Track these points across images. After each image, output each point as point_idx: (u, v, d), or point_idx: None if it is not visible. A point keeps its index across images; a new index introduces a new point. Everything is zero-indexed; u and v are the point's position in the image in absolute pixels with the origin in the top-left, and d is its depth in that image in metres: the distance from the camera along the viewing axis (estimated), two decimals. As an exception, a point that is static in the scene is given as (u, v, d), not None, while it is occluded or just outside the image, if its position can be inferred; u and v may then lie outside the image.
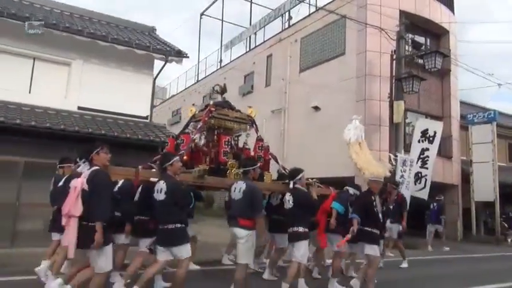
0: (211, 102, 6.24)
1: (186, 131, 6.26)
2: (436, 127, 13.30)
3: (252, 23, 24.75)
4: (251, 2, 26.13)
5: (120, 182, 5.31)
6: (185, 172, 5.25)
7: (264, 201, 5.87)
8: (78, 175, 4.14)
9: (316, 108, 16.30)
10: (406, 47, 13.61)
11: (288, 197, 5.53)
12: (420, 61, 13.43)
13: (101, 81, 10.21)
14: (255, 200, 4.94)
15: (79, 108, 10.02)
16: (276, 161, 6.77)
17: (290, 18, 20.47)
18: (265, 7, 25.40)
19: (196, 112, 6.44)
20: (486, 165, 15.61)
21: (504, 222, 16.46)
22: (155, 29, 12.94)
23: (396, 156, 11.92)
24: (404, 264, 8.53)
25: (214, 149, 6.17)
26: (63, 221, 3.92)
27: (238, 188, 5.06)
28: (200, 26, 29.49)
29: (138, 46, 10.39)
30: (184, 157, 5.47)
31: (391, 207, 7.92)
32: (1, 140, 7.99)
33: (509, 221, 16.50)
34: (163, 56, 10.76)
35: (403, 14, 14.06)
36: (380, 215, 5.66)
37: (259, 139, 6.59)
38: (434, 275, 7.97)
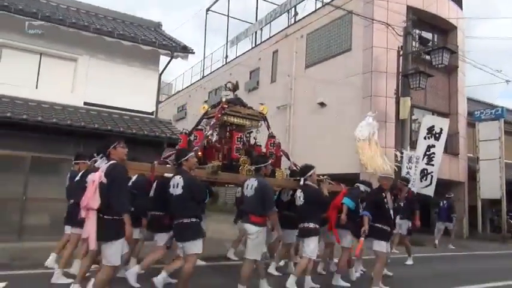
0: (224, 99, 6.29)
1: (199, 127, 6.32)
2: (442, 124, 13.21)
3: (257, 19, 24.67)
4: (257, -2, 26.04)
5: (134, 177, 5.39)
6: (199, 168, 5.31)
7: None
8: (96, 170, 4.23)
9: (322, 104, 16.25)
10: (413, 43, 13.51)
11: (299, 193, 5.61)
12: (427, 57, 13.33)
13: (107, 76, 10.25)
14: (266, 197, 4.98)
15: (85, 103, 10.07)
16: (288, 157, 6.82)
17: (296, 14, 20.38)
18: (271, 3, 25.33)
19: (209, 109, 6.52)
20: (493, 163, 15.49)
21: (511, 220, 16.36)
22: (161, 25, 12.95)
23: (402, 152, 11.87)
24: (410, 262, 8.52)
25: (226, 145, 6.25)
26: (82, 214, 4.01)
27: (251, 185, 5.10)
28: (206, 22, 29.60)
29: (144, 42, 10.41)
30: (199, 153, 5.52)
31: (402, 204, 7.89)
32: (8, 135, 8.07)
33: (516, 219, 16.40)
34: (169, 52, 10.78)
35: (410, 9, 13.96)
36: (391, 212, 5.70)
37: (271, 136, 6.64)
38: (438, 272, 7.95)
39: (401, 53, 12.75)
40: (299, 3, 20.33)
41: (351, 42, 15.70)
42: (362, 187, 6.51)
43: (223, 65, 25.67)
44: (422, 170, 12.55)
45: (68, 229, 5.76)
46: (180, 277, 4.60)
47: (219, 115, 6.05)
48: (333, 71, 16.01)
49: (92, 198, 3.90)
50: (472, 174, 16.08)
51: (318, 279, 5.97)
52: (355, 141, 9.23)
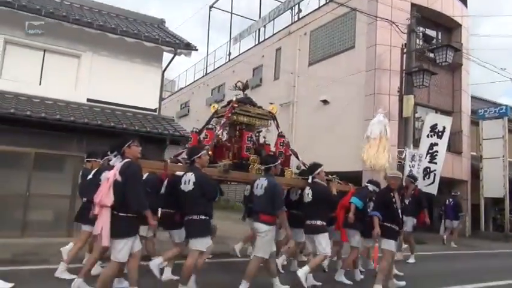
0: (234, 99, 6.35)
1: (209, 126, 6.38)
2: (445, 122, 13.17)
3: (261, 16, 24.64)
4: (260, -5, 25.98)
5: (145, 175, 5.41)
6: (210, 166, 5.37)
7: None
8: (110, 168, 4.30)
9: (325, 102, 16.21)
10: (417, 41, 13.44)
11: (308, 190, 5.69)
12: (431, 55, 13.26)
13: (110, 73, 10.27)
14: (276, 196, 5.03)
15: (88, 100, 10.09)
16: (297, 157, 6.85)
17: (300, 11, 20.33)
18: (274, 0, 25.27)
19: (219, 108, 6.58)
20: (496, 161, 15.43)
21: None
22: (164, 22, 12.95)
23: (405, 150, 11.85)
24: (412, 260, 8.51)
25: (236, 144, 6.31)
26: (96, 210, 4.05)
27: (260, 184, 5.16)
28: (209, 19, 29.44)
29: (147, 38, 10.41)
30: (209, 152, 5.57)
31: (407, 201, 7.89)
32: (12, 131, 8.10)
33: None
34: (172, 49, 10.78)
35: (414, 7, 13.87)
36: (399, 211, 5.75)
37: (281, 135, 6.69)
38: (440, 270, 7.94)
39: (405, 50, 12.69)
40: (302, 0, 20.28)
41: (354, 39, 15.64)
42: (370, 187, 6.57)
43: (226, 62, 25.66)
44: (425, 168, 12.52)
45: (85, 227, 5.76)
46: (182, 271, 4.66)
47: (229, 114, 6.12)
48: (336, 68, 15.96)
49: (105, 196, 3.96)
50: (475, 172, 16.03)
51: (320, 276, 5.99)
52: (365, 139, 9.26)
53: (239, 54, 24.32)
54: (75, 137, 8.93)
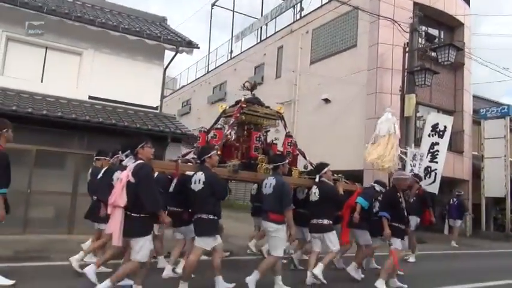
0: (243, 99, 6.40)
1: (218, 126, 6.43)
2: (446, 121, 13.14)
3: (263, 14, 24.59)
4: (263, -7, 25.92)
5: (155, 175, 5.46)
6: (219, 166, 5.42)
7: None
8: (123, 168, 4.37)
9: (327, 100, 16.20)
10: (419, 40, 13.41)
11: (315, 189, 5.80)
12: (433, 54, 13.23)
13: (112, 71, 10.27)
14: (284, 194, 5.08)
15: (90, 97, 10.10)
16: (304, 156, 6.92)
17: (302, 9, 20.28)
18: (276, -2, 25.21)
19: (227, 108, 6.62)
20: (498, 161, 15.41)
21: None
22: (166, 19, 12.94)
23: (406, 150, 11.84)
24: (412, 259, 8.52)
25: (245, 144, 6.37)
26: (108, 210, 4.11)
27: (269, 183, 5.22)
28: (211, 17, 29.48)
29: (149, 36, 10.41)
30: (218, 152, 5.62)
31: (411, 200, 7.91)
32: (13, 128, 8.08)
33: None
34: (174, 47, 10.78)
35: (417, 5, 13.85)
36: (405, 210, 5.83)
37: (289, 135, 6.73)
38: (440, 270, 7.94)
39: (407, 49, 12.66)
40: (305, -2, 20.24)
41: (356, 38, 15.61)
42: (377, 187, 6.62)
43: (228, 60, 25.64)
44: (426, 168, 12.51)
45: (96, 225, 5.98)
46: (184, 268, 4.71)
47: (238, 114, 6.16)
48: (338, 67, 15.94)
49: (119, 196, 4.02)
50: (477, 172, 16.01)
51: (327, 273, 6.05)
52: (373, 137, 9.32)
53: (241, 53, 24.30)
54: (76, 135, 8.95)
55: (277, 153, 6.36)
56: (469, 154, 16.25)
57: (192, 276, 4.93)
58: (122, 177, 4.10)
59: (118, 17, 11.30)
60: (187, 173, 5.14)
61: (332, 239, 5.65)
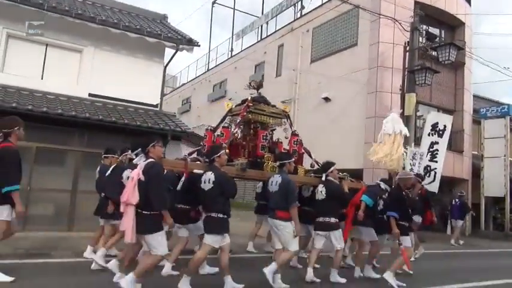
0: (249, 98, 6.45)
1: (225, 125, 6.48)
2: (446, 121, 13.15)
3: (263, 12, 24.57)
4: (263, -9, 25.89)
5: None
6: (227, 165, 5.47)
7: None
8: (133, 166, 4.44)
9: (327, 99, 16.19)
10: (420, 39, 13.40)
11: (321, 188, 5.87)
12: (434, 53, 13.22)
13: (112, 68, 10.27)
14: (289, 192, 5.16)
15: (90, 95, 10.10)
16: (310, 155, 6.97)
17: (302, 7, 20.27)
18: (277, -4, 25.18)
19: (233, 106, 6.65)
20: (497, 160, 15.42)
21: (514, 218, 16.29)
22: (167, 17, 12.92)
23: (406, 149, 11.84)
24: (411, 258, 8.52)
25: (251, 142, 6.43)
26: (121, 208, 4.19)
27: (275, 181, 5.30)
28: (212, 15, 29.40)
29: (150, 34, 10.40)
30: (226, 150, 5.67)
31: (417, 198, 7.95)
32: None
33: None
34: (174, 45, 10.77)
35: (418, 4, 13.82)
36: (409, 209, 5.99)
37: (295, 134, 6.77)
38: (439, 269, 7.96)
39: (407, 48, 12.65)
40: (305, -4, 20.20)
41: (357, 37, 15.60)
42: (382, 185, 6.68)
43: (228, 59, 25.61)
44: (426, 167, 12.52)
45: (102, 221, 6.05)
46: (192, 261, 4.77)
47: (245, 113, 6.20)
48: (338, 66, 15.93)
49: (131, 194, 4.09)
50: (476, 171, 16.02)
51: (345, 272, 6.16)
52: (380, 136, 9.40)
53: (241, 51, 24.27)
54: (76, 132, 8.95)
55: (284, 151, 6.43)
56: (468, 153, 16.26)
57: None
58: (133, 176, 4.17)
59: (119, 15, 11.28)
60: (195, 171, 5.22)
61: (337, 237, 5.76)
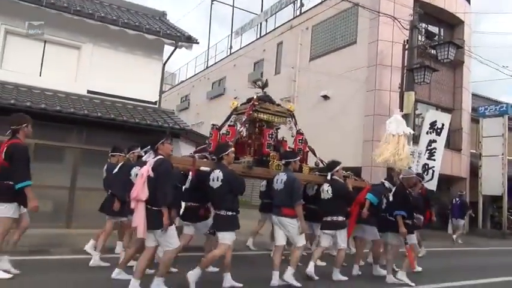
0: (255, 97, 6.50)
1: (231, 123, 6.54)
2: (444, 119, 13.18)
3: (263, 10, 24.53)
4: (263, -12, 25.84)
5: None
6: (234, 162, 5.51)
7: None
8: (142, 164, 4.52)
9: (326, 97, 16.19)
10: (419, 37, 13.40)
11: (327, 187, 5.93)
12: (433, 51, 13.23)
13: (111, 65, 10.24)
14: (295, 189, 5.24)
15: (88, 91, 10.07)
16: (314, 154, 7.03)
17: (302, 5, 20.24)
18: (276, -7, 25.12)
19: (239, 105, 6.69)
20: (495, 159, 15.45)
21: (511, 216, 16.37)
22: (166, 14, 12.88)
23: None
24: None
25: (257, 141, 6.48)
26: (132, 205, 4.23)
27: (280, 179, 5.37)
28: (211, 12, 29.37)
29: (149, 31, 10.37)
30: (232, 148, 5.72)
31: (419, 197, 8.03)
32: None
33: (517, 215, 16.43)
34: (173, 42, 10.74)
35: (417, 2, 13.83)
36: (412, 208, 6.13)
37: (300, 133, 6.81)
38: (437, 267, 7.98)
39: (406, 46, 12.65)
40: (305, -6, 20.16)
41: (356, 35, 15.59)
42: (386, 183, 6.75)
43: (227, 56, 25.59)
44: (424, 165, 12.56)
45: (110, 218, 6.07)
46: (206, 257, 4.86)
47: (250, 112, 6.23)
48: (337, 63, 15.93)
49: (141, 191, 4.14)
50: (474, 170, 16.06)
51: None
52: (385, 136, 9.51)
53: (240, 48, 24.25)
54: (75, 129, 8.93)
55: (289, 150, 6.51)
56: (467, 152, 16.30)
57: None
58: (143, 172, 4.23)
59: (117, 11, 11.24)
60: (202, 168, 5.27)
61: (343, 236, 5.85)
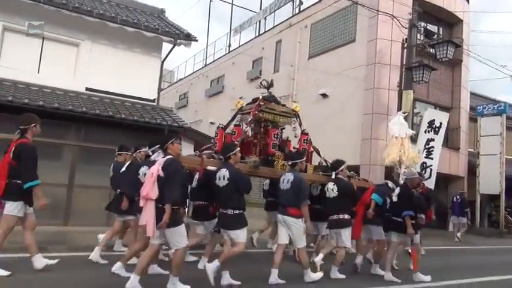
0: (261, 97, 6.56)
1: (236, 123, 6.58)
2: (442, 118, 13.18)
3: (262, 8, 24.48)
4: (262, -14, 25.77)
5: None
6: (240, 162, 5.56)
7: None
8: (150, 163, 4.60)
9: (324, 95, 16.19)
10: (418, 36, 13.39)
11: (332, 186, 6.02)
12: (431, 50, 13.23)
13: (109, 62, 10.21)
14: (301, 190, 5.32)
15: (87, 89, 10.05)
16: (318, 153, 7.08)
17: (301, 3, 20.17)
18: (275, -9, 25.05)
19: (244, 105, 6.74)
20: (493, 158, 15.48)
21: (509, 215, 16.42)
22: (164, 11, 12.85)
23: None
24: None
25: (262, 140, 6.54)
26: (141, 203, 4.27)
27: (287, 179, 5.44)
28: (210, 9, 29.26)
29: (147, 28, 10.34)
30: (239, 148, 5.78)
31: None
32: (9, 119, 8.04)
33: (514, 214, 16.50)
34: (172, 39, 10.71)
35: (416, 1, 13.78)
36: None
37: (304, 133, 6.86)
38: (436, 266, 7.99)
39: (405, 45, 12.65)
40: (304, -8, 20.11)
41: (355, 33, 15.58)
42: (390, 184, 6.83)
43: (226, 54, 25.54)
44: (422, 164, 12.56)
45: (118, 216, 6.11)
46: (224, 254, 4.94)
47: (256, 112, 6.28)
48: (336, 62, 15.92)
49: (151, 190, 4.19)
50: (472, 169, 16.09)
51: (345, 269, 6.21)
52: (390, 138, 9.62)
53: (239, 46, 24.20)
54: (73, 126, 8.91)
55: (296, 150, 6.56)
56: (465, 151, 16.32)
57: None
58: (153, 172, 4.27)
59: (116, 8, 11.20)
60: (209, 167, 5.33)
61: (347, 235, 5.90)
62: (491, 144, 15.62)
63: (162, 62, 11.41)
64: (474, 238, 13.65)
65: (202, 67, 28.12)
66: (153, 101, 10.95)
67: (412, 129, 13.22)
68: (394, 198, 6.27)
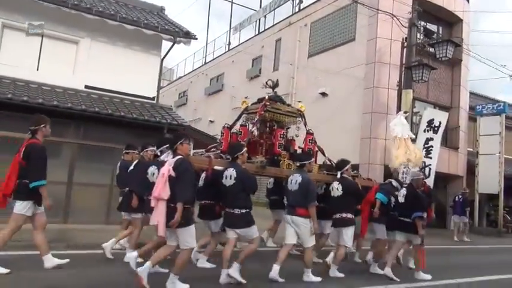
0: (267, 97, 6.60)
1: (242, 123, 6.63)
2: (441, 117, 13.20)
3: (261, 6, 24.45)
4: (261, -16, 25.72)
5: None
6: (247, 162, 5.61)
7: None
8: (159, 163, 4.70)
9: (324, 94, 16.18)
10: (418, 35, 13.38)
11: (337, 185, 6.10)
12: (431, 50, 13.22)
13: (109, 60, 10.18)
14: (310, 191, 5.37)
15: (86, 86, 10.02)
16: (323, 153, 7.14)
17: (300, 2, 20.15)
18: (275, -10, 25.01)
19: (249, 105, 6.77)
20: (492, 157, 15.49)
21: (507, 215, 16.45)
22: (164, 9, 12.81)
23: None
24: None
25: (268, 140, 6.59)
26: (152, 203, 4.31)
27: (295, 180, 5.47)
28: (209, 7, 29.25)
29: (147, 26, 10.31)
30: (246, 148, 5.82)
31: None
32: (9, 116, 8.05)
33: (513, 214, 16.53)
34: (172, 37, 10.69)
35: (416, 0, 13.79)
36: None
37: (310, 132, 6.89)
38: (434, 265, 8.00)
39: (405, 44, 12.64)
40: (304, -10, 20.08)
41: (355, 32, 15.56)
42: (394, 183, 6.91)
43: (225, 52, 25.51)
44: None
45: (126, 215, 6.14)
46: (242, 252, 5.03)
47: (262, 112, 6.31)
48: (335, 60, 15.90)
49: (162, 190, 4.24)
50: (471, 168, 16.10)
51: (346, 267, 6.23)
52: (394, 139, 9.69)
53: (239, 44, 24.18)
54: (72, 124, 8.90)
55: (301, 150, 6.62)
56: (464, 150, 16.33)
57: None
58: (164, 172, 4.31)
59: (115, 6, 11.17)
60: (216, 167, 5.37)
61: (349, 234, 5.94)
62: (491, 143, 15.62)
63: (162, 60, 11.39)
64: (473, 237, 13.65)
65: (202, 65, 28.09)
66: (153, 99, 10.93)
67: (412, 128, 13.27)
68: (401, 199, 6.32)
